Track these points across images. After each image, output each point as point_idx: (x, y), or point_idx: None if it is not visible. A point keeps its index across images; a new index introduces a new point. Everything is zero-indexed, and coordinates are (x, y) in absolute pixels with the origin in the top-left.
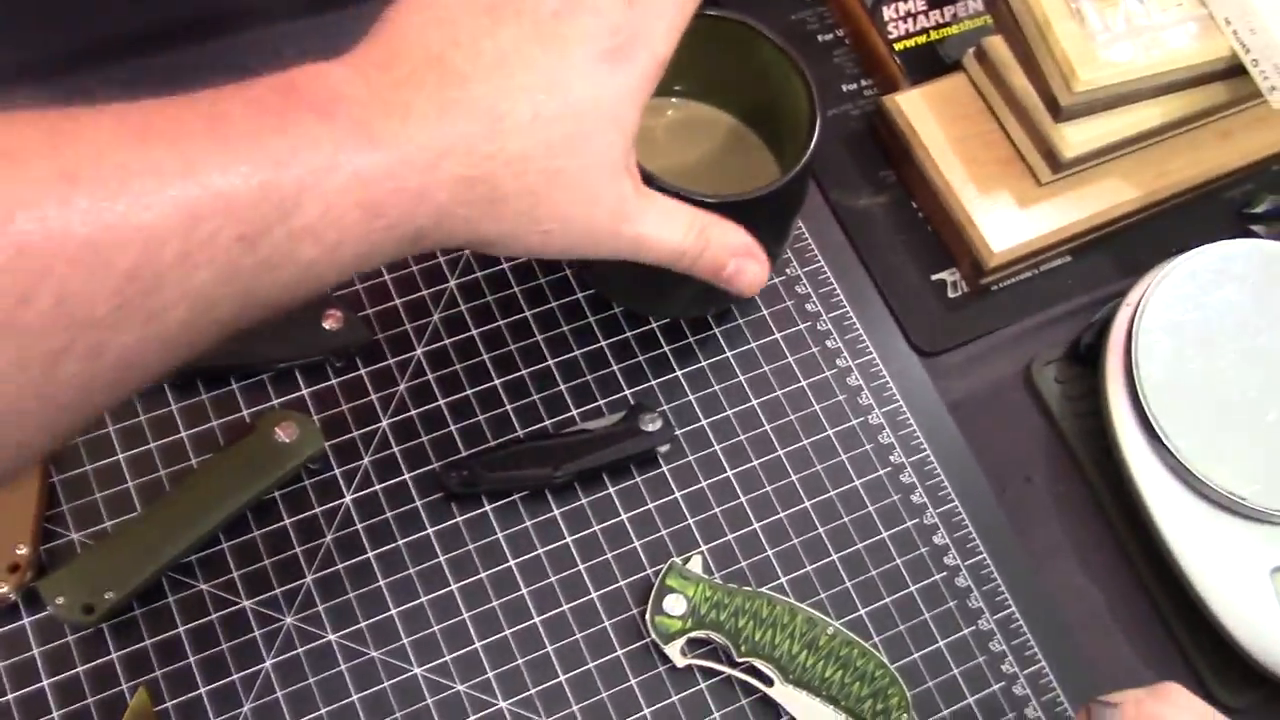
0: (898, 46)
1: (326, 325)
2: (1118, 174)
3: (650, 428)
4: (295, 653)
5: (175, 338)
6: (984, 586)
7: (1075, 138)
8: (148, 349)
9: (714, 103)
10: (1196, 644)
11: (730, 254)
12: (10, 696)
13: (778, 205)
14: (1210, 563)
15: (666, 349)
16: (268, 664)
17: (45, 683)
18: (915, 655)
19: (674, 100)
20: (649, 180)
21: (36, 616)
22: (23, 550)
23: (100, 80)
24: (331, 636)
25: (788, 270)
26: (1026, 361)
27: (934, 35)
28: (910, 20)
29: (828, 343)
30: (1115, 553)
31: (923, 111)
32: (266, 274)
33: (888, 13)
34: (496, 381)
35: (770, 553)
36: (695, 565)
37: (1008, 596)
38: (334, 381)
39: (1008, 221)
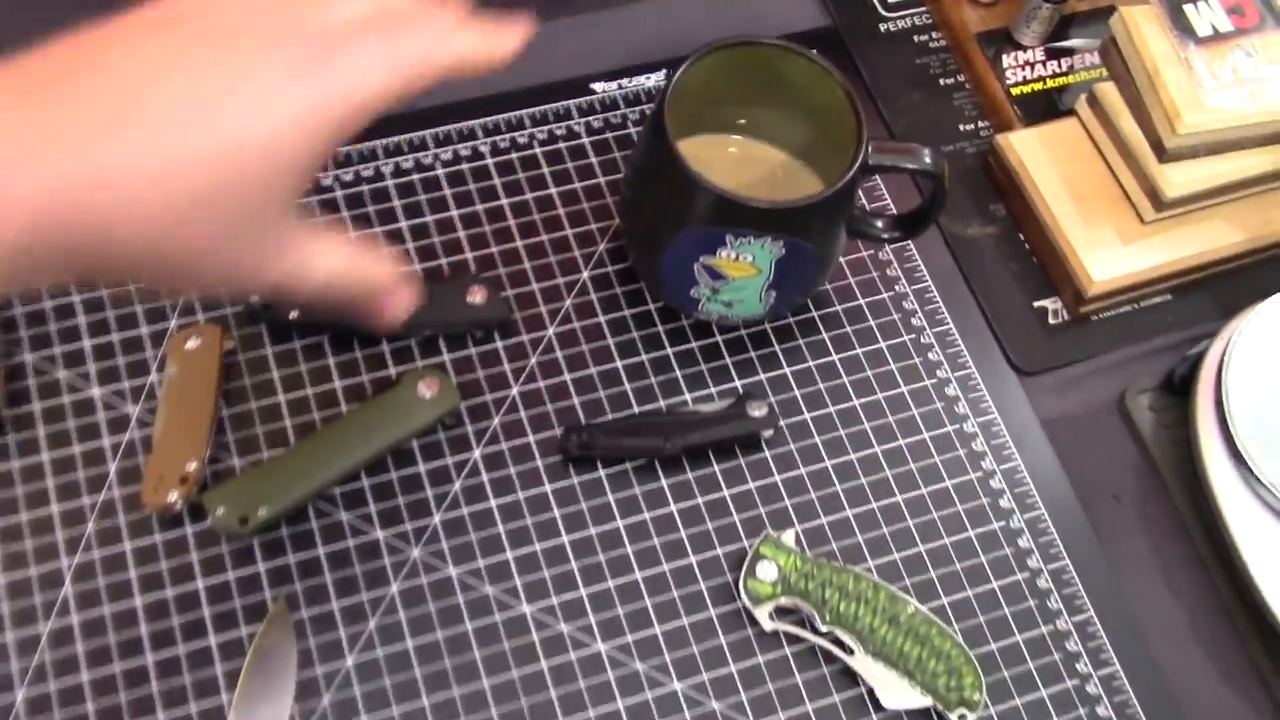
0: (1014, 91)
1: (471, 300)
2: (1220, 218)
3: (756, 413)
4: (419, 581)
5: None
6: (1064, 590)
7: (1178, 178)
8: None
9: (771, 140)
10: (1273, 664)
11: (376, 283)
12: (170, 593)
13: (824, 213)
14: None
15: (777, 348)
16: (394, 588)
17: (200, 584)
18: (992, 645)
19: (735, 137)
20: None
21: (198, 527)
22: (192, 466)
23: None
24: (453, 571)
25: (896, 287)
26: (1121, 389)
27: (1050, 84)
28: (1028, 69)
29: (930, 354)
30: (1197, 571)
31: (1035, 150)
32: None
33: (1007, 60)
34: (619, 363)
35: (860, 538)
36: (788, 539)
37: (1086, 601)
38: (473, 351)
39: (1109, 254)
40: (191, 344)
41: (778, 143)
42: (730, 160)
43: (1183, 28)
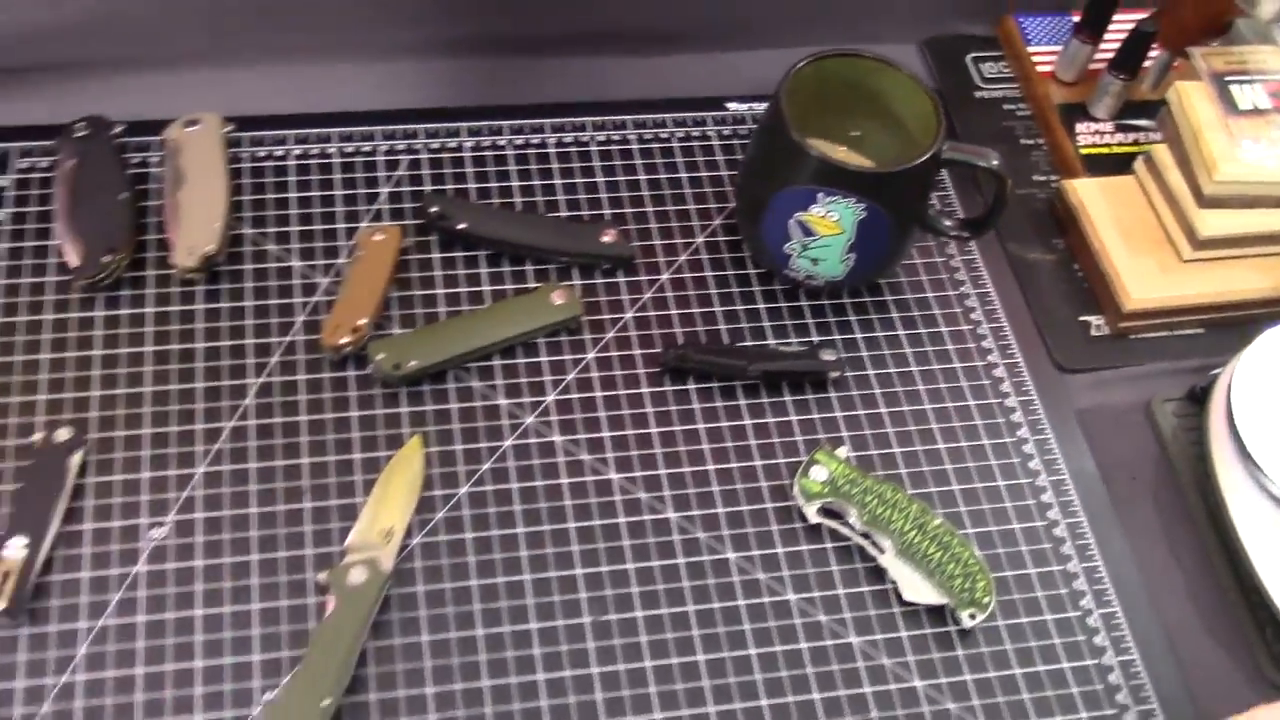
0: (1084, 152)
1: (603, 239)
2: (1248, 267)
3: (827, 357)
4: (529, 441)
5: None
6: (1078, 541)
7: (1213, 221)
8: None
9: (865, 150)
10: (1259, 632)
11: None
12: (329, 416)
13: (901, 184)
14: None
15: (851, 316)
16: (507, 443)
17: (353, 414)
18: (1007, 572)
19: (837, 146)
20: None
21: (358, 372)
22: (363, 321)
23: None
24: (557, 438)
25: (961, 288)
26: (1149, 397)
27: (1115, 149)
28: (1098, 136)
29: (983, 343)
30: (1197, 547)
31: (1094, 194)
32: None
33: (1080, 128)
34: (717, 308)
35: (903, 471)
36: (841, 453)
37: (1096, 552)
38: (599, 281)
39: (1148, 280)
40: (378, 237)
41: (875, 147)
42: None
43: (1228, 101)
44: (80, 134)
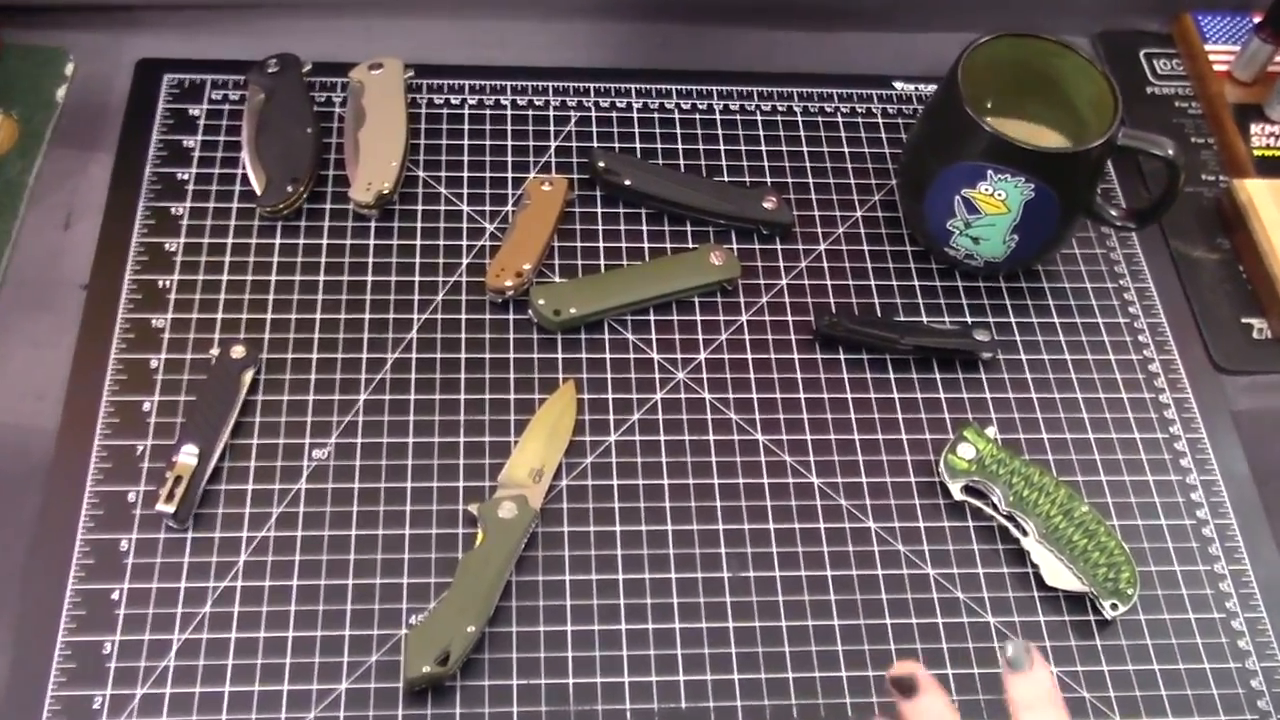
0: (1256, 154)
1: (765, 204)
2: None
3: (980, 338)
4: (678, 396)
5: None
6: (1227, 543)
7: None
8: None
9: (1038, 121)
10: None
11: None
12: (488, 356)
13: (1073, 167)
14: None
15: (1007, 300)
16: (658, 396)
17: (511, 356)
18: (1152, 567)
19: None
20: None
21: (518, 315)
22: (527, 266)
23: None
24: (707, 395)
25: (1120, 281)
26: None
27: None
28: (1273, 139)
29: (1139, 336)
30: None
31: (1265, 195)
32: None
33: (1254, 129)
34: (872, 281)
35: (1050, 457)
36: (990, 432)
37: (1245, 556)
38: (757, 246)
39: None
40: (545, 187)
41: (1045, 131)
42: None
43: None
44: (271, 70)
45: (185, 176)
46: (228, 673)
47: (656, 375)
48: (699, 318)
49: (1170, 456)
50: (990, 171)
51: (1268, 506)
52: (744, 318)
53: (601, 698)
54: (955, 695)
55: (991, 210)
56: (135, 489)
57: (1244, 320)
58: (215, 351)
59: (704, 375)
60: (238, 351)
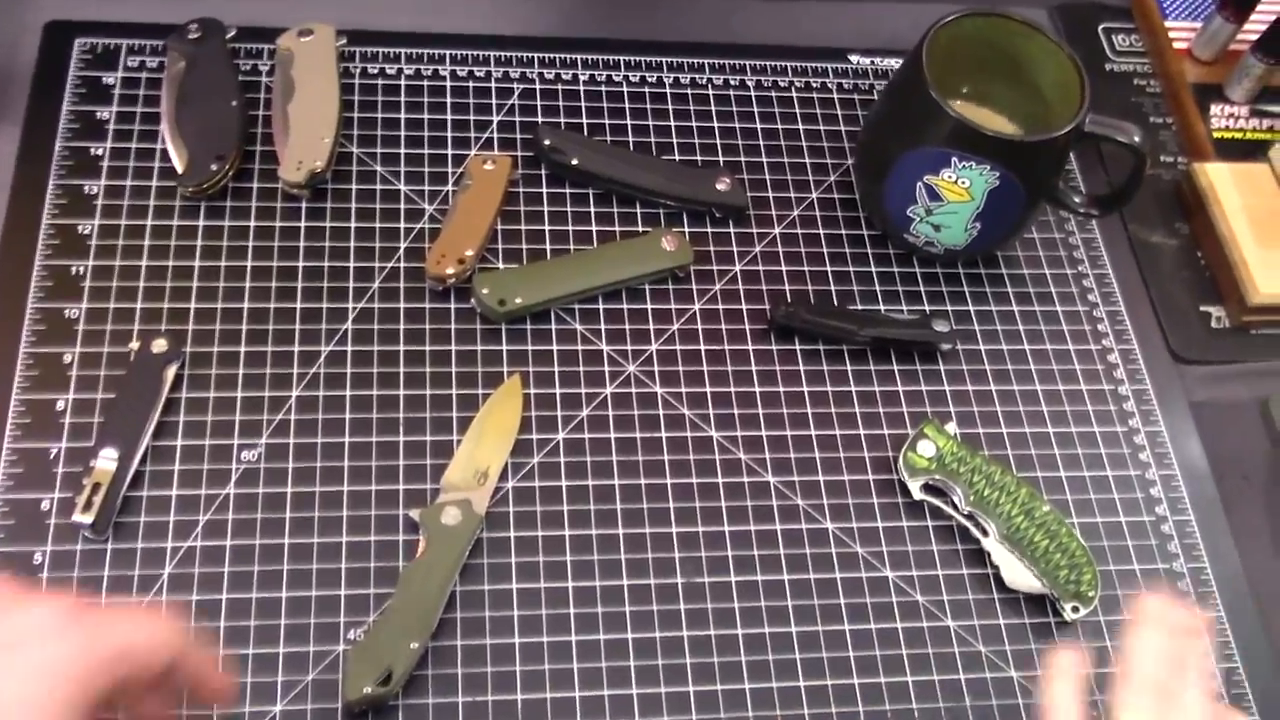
0: (1215, 135)
1: (718, 186)
2: None
3: (939, 328)
4: (629, 391)
5: None
6: (1185, 540)
7: None
8: None
9: (1001, 110)
10: None
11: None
12: (427, 348)
13: (1039, 155)
14: None
15: (965, 288)
16: (607, 391)
17: (453, 348)
18: (1111, 566)
19: (970, 105)
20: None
21: (460, 304)
22: (469, 252)
23: None
24: (658, 389)
25: (1079, 267)
26: (1266, 394)
27: (1250, 135)
28: (1232, 120)
29: (1099, 326)
30: None
31: (1225, 179)
32: None
33: (1214, 110)
34: (828, 267)
35: (1009, 452)
36: (950, 428)
37: (1203, 553)
38: (709, 230)
39: (1277, 272)
40: (488, 166)
41: (1007, 114)
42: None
43: None
44: (192, 35)
45: (99, 151)
46: None
47: (606, 368)
48: (650, 306)
49: (1129, 450)
50: (955, 159)
51: (1225, 502)
52: (696, 306)
53: (552, 714)
54: (915, 703)
55: (955, 198)
56: (49, 496)
57: (1202, 308)
58: (135, 345)
59: (655, 368)
60: (159, 345)
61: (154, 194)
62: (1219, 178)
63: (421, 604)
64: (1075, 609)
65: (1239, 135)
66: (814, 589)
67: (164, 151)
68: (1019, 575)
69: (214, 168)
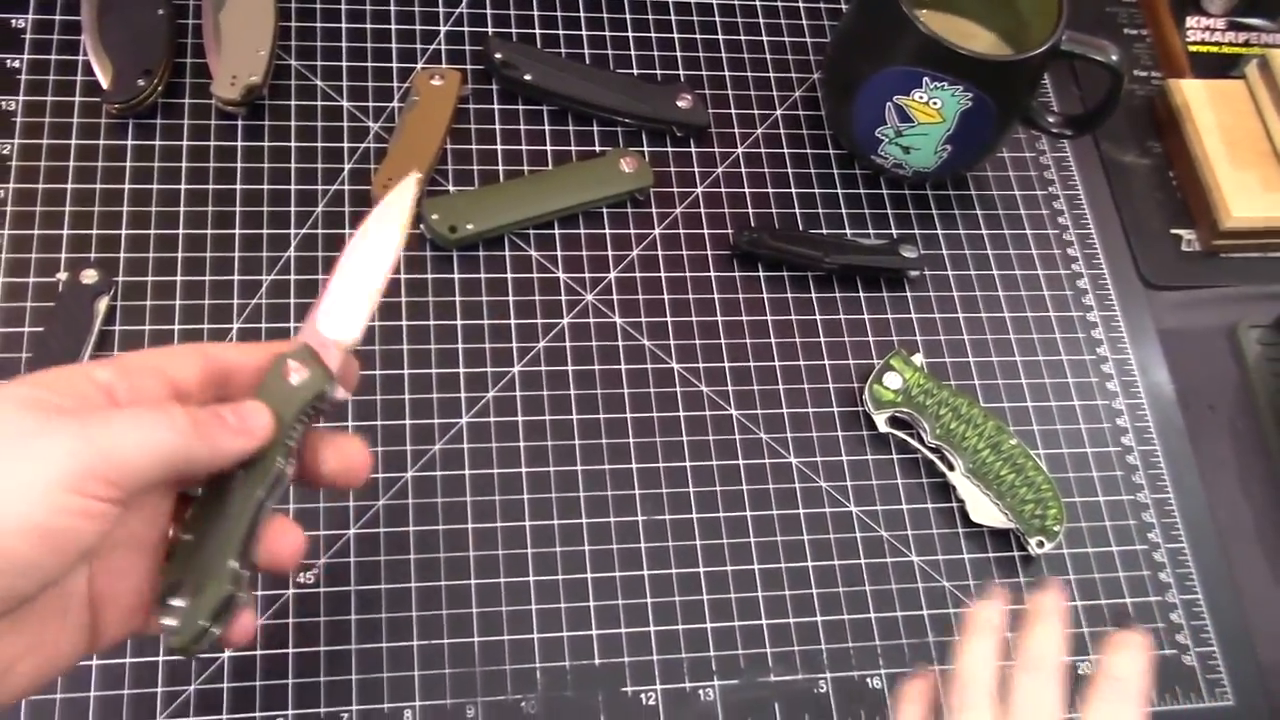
0: (1191, 49)
1: (679, 103)
2: None
3: (907, 254)
4: (586, 321)
5: None
6: (1150, 470)
7: None
8: None
9: (977, 19)
10: None
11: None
12: None
13: (1014, 76)
14: None
15: (934, 211)
16: (564, 322)
17: (401, 277)
18: (1076, 498)
19: (944, 14)
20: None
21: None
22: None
23: None
24: (618, 319)
25: (1050, 188)
26: (1235, 320)
27: (1226, 49)
28: (1208, 33)
29: (1069, 250)
30: (1273, 485)
31: (1200, 96)
32: None
33: (1190, 23)
34: (793, 190)
35: (976, 382)
36: (917, 359)
37: (1168, 483)
38: (670, 150)
39: (1251, 196)
40: (435, 81)
41: (980, 24)
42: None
43: None
44: None
45: (16, 64)
46: None
47: (563, 297)
48: (608, 231)
49: (1097, 379)
50: (926, 79)
51: (1191, 431)
52: (656, 231)
53: (509, 658)
54: (878, 639)
55: (925, 119)
56: None
57: (1173, 231)
58: (63, 275)
59: (614, 296)
60: (89, 275)
61: (78, 110)
62: (1194, 96)
63: None
64: (1041, 544)
65: (1215, 50)
66: (777, 525)
67: (87, 64)
68: (985, 510)
69: (141, 83)
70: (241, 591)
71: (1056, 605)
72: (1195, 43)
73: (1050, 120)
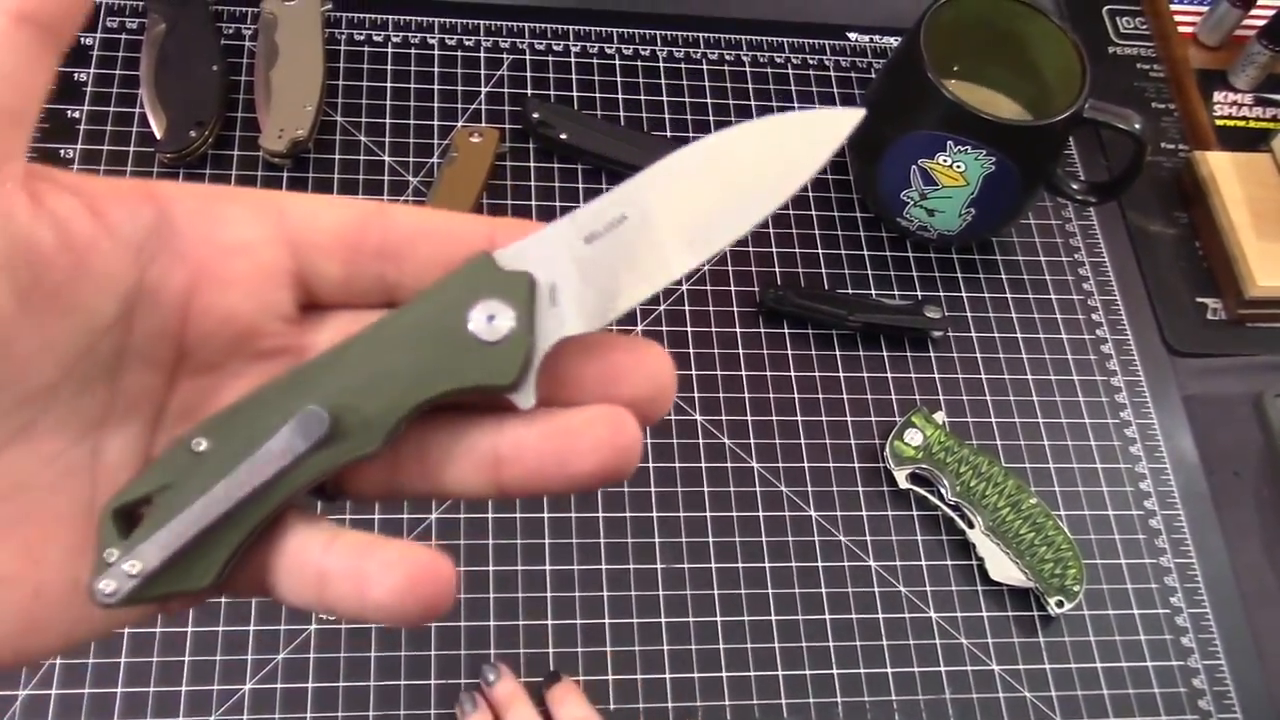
0: (1218, 123)
1: None
2: None
3: (931, 314)
4: None
5: None
6: (1174, 534)
7: None
8: None
9: (999, 88)
10: None
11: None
12: None
13: (1035, 140)
14: None
15: (959, 274)
16: None
17: None
18: (1097, 561)
19: (970, 85)
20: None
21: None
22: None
23: None
24: None
25: (1075, 255)
26: (1261, 388)
27: (1253, 124)
28: (1235, 108)
29: (1093, 315)
30: None
31: (1226, 168)
32: None
33: (1218, 98)
34: (820, 250)
35: (998, 442)
36: (938, 417)
37: (1191, 548)
38: None
39: (1275, 265)
40: (475, 138)
41: (1007, 96)
42: (963, 95)
43: None
44: None
45: (77, 115)
46: None
47: None
48: None
49: (1120, 443)
50: (950, 142)
51: (1215, 497)
52: (684, 287)
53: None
54: (894, 694)
55: (949, 183)
56: None
57: (1199, 300)
58: None
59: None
60: None
61: (132, 159)
62: (1220, 167)
63: None
64: (1060, 603)
65: (1242, 124)
66: (795, 577)
67: (143, 116)
68: (1004, 568)
69: (193, 134)
70: None
71: None
72: (1223, 117)
73: (1075, 187)
